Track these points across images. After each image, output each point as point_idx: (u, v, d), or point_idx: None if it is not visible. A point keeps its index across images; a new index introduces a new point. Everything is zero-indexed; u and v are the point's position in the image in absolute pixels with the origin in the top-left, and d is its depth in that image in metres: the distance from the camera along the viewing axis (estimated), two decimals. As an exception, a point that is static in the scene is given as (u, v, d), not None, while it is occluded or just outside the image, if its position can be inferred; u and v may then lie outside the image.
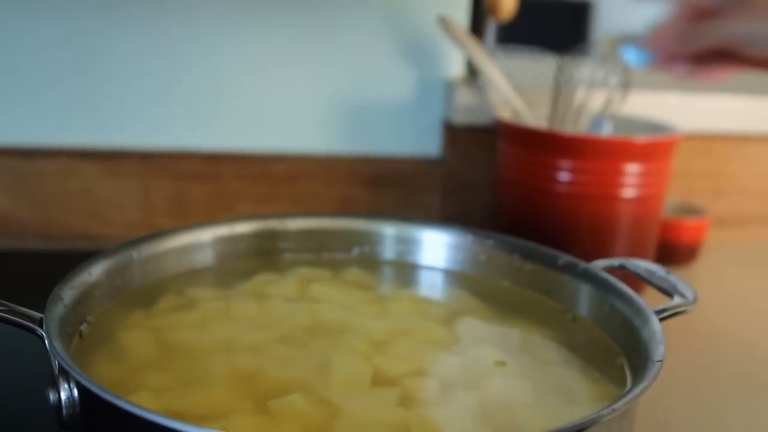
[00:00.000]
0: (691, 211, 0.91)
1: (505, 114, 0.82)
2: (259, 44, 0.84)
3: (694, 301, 0.50)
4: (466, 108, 0.88)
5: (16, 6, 0.78)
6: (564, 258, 0.56)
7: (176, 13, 0.81)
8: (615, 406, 0.37)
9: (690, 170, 0.97)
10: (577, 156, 0.73)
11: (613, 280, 0.53)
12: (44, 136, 0.81)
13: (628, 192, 0.75)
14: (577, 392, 0.46)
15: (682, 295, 0.50)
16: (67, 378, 0.38)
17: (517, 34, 1.02)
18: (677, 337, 0.56)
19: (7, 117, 0.81)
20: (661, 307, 0.49)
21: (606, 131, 0.80)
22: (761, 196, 1.02)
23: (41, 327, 0.41)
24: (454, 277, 0.61)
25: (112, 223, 0.84)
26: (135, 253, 0.54)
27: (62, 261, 0.50)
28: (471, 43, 0.83)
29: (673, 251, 0.88)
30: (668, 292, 0.51)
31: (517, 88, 0.84)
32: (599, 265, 0.55)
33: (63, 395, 0.38)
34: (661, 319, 0.47)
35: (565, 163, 0.74)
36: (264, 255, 0.61)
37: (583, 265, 0.55)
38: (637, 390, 0.39)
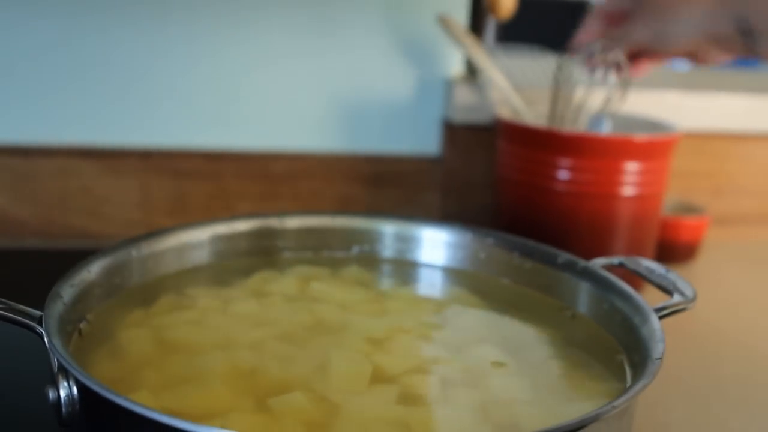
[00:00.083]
0: (691, 209, 0.91)
1: (504, 112, 0.82)
2: (259, 44, 0.84)
3: (694, 298, 0.50)
4: (465, 106, 0.88)
5: (16, 6, 0.78)
6: (563, 256, 0.56)
7: (176, 13, 0.81)
8: (615, 403, 0.37)
9: (689, 169, 0.97)
10: (576, 154, 0.73)
11: (612, 278, 0.53)
12: (43, 134, 0.81)
13: (628, 190, 0.75)
14: (577, 390, 0.46)
15: (681, 293, 0.50)
16: (67, 376, 0.38)
17: (516, 33, 1.02)
18: (676, 336, 0.56)
19: (6, 116, 0.81)
20: (660, 305, 0.49)
21: (605, 130, 0.80)
22: (760, 195, 1.02)
23: (40, 325, 0.41)
24: (453, 275, 0.61)
25: (111, 222, 0.84)
26: (134, 252, 0.54)
27: (61, 259, 0.50)
28: (471, 41, 0.83)
29: (673, 250, 0.88)
30: (668, 290, 0.51)
31: (517, 87, 0.84)
32: (599, 263, 0.55)
33: (62, 393, 0.38)
34: (660, 317, 0.47)
35: (565, 161, 0.74)
36: (263, 253, 0.61)
37: (582, 263, 0.55)
38: (637, 387, 0.38)
